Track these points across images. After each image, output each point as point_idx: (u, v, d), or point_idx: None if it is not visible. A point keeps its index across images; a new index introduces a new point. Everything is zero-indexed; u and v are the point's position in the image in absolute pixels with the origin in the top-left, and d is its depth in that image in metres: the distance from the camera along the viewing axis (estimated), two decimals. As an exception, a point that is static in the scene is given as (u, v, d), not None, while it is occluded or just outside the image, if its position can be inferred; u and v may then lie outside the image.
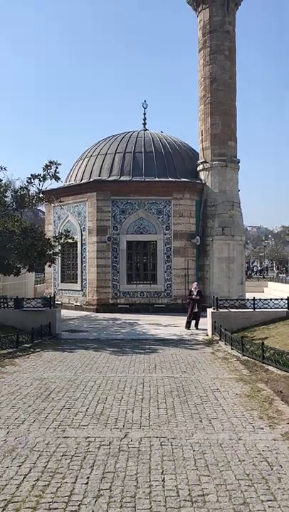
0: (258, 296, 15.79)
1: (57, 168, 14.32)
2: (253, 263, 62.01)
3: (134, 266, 21.23)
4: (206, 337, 13.97)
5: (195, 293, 16.25)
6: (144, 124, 25.40)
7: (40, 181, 14.67)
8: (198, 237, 21.13)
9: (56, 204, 21.40)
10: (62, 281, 22.98)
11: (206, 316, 15.14)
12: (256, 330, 13.38)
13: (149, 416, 5.69)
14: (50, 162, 14.27)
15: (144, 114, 25.69)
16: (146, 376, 8.01)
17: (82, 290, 21.64)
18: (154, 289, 20.93)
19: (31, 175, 14.59)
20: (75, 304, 21.72)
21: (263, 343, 9.35)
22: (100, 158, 22.57)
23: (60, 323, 14.65)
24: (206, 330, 14.95)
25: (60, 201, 17.80)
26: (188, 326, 16.01)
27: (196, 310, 16.03)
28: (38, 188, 14.72)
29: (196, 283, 16.94)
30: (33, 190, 14.64)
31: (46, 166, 14.34)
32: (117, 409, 5.99)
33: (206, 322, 16.06)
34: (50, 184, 15.14)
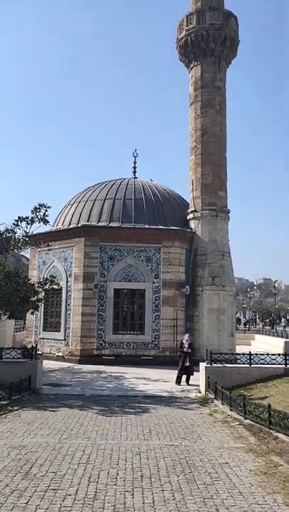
0: (245, 349, 15.03)
1: (46, 210, 13.78)
2: (236, 314, 61.27)
3: (121, 315, 20.31)
4: (199, 394, 12.97)
5: (186, 345, 15.35)
6: (134, 172, 25.39)
7: (28, 224, 14.04)
8: (187, 287, 20.48)
9: (42, 248, 20.69)
10: (44, 330, 21.80)
11: (197, 371, 14.21)
12: (253, 388, 12.48)
13: (154, 502, 4.72)
14: (39, 205, 13.73)
15: (135, 162, 25.77)
16: (142, 444, 7.02)
17: (65, 339, 20.48)
18: (141, 339, 19.92)
19: (18, 217, 13.98)
20: (57, 354, 20.47)
21: (269, 405, 8.47)
22: (89, 203, 22.20)
23: (41, 377, 13.48)
24: (198, 386, 13.97)
25: (48, 245, 17.09)
26: (178, 381, 14.99)
27: (187, 364, 15.07)
28: (24, 231, 14.05)
29: (187, 335, 16.09)
30: (19, 232, 13.95)
31: (35, 208, 13.77)
32: (113, 492, 5.00)
33: (197, 377, 15.14)
34: (38, 227, 14.51)
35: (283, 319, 61.09)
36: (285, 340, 23.74)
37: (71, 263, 20.89)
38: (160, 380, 15.60)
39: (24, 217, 13.93)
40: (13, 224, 13.99)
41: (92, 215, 21.62)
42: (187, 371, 15.09)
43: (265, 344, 27.50)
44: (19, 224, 14.00)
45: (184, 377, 15.08)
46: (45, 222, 14.05)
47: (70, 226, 21.70)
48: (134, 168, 25.53)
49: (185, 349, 15.31)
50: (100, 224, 21.08)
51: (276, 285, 49.41)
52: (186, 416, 9.59)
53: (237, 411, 9.70)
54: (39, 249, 22.45)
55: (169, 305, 20.20)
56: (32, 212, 13.87)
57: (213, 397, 11.86)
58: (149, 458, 6.26)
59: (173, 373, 17.14)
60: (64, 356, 20.13)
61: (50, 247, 17.72)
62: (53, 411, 9.73)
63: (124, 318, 20.27)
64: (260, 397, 11.24)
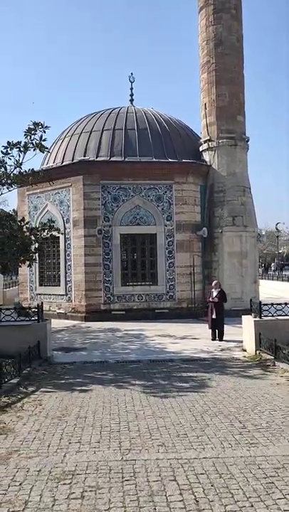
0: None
1: (44, 132, 10.57)
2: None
3: (131, 264, 17.67)
4: (246, 354, 10.68)
5: (215, 293, 12.91)
6: (132, 100, 21.90)
7: (21, 152, 10.85)
8: (205, 229, 17.83)
9: (33, 191, 17.56)
10: (41, 284, 19.10)
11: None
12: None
13: None
14: (34, 124, 10.50)
15: (132, 88, 22.18)
16: (256, 455, 4.46)
17: (66, 294, 17.87)
18: (154, 291, 17.45)
19: (8, 143, 10.74)
20: (58, 311, 17.93)
21: None
22: (85, 136, 18.86)
23: (51, 342, 10.92)
24: (238, 342, 11.74)
25: (51, 179, 14.01)
26: (214, 337, 12.69)
27: (213, 316, 12.71)
28: (16, 161, 10.90)
29: (216, 281, 13.60)
30: (10, 162, 10.81)
31: (29, 129, 10.56)
32: None
33: (235, 332, 12.91)
34: (34, 156, 11.38)
35: (273, 263, 59.28)
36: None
37: (68, 206, 17.88)
38: (188, 337, 13.28)
39: (15, 142, 10.73)
40: (2, 152, 10.80)
41: (89, 150, 18.37)
42: (216, 325, 12.77)
43: (266, 288, 25.59)
44: (9, 152, 10.81)
45: (216, 332, 12.80)
46: (43, 149, 10.86)
47: (65, 163, 18.46)
48: (132, 95, 22.02)
49: (211, 298, 12.90)
50: (99, 159, 17.90)
51: (278, 227, 47.22)
52: (261, 388, 7.21)
53: None
54: (28, 192, 19.36)
55: (184, 250, 17.61)
56: (25, 135, 10.66)
57: (273, 357, 9.52)
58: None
59: (196, 328, 14.96)
60: (66, 313, 17.62)
61: (52, 181, 14.54)
62: (83, 391, 7.22)
63: (133, 267, 17.66)
64: None
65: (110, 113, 19.61)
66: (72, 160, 18.23)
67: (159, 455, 4.39)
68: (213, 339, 12.64)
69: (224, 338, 12.64)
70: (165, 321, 16.38)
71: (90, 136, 18.68)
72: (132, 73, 22.28)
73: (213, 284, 13.23)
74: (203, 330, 14.30)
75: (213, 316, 12.71)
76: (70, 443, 4.77)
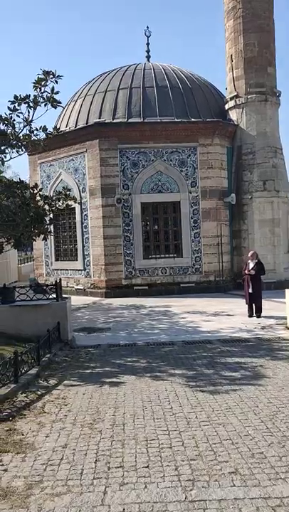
0: None
1: (56, 82, 9.06)
2: None
3: (153, 235, 16.33)
4: (292, 332, 9.40)
5: (252, 265, 11.55)
6: (148, 56, 20.08)
7: (30, 107, 9.38)
8: (233, 195, 16.32)
9: (45, 159, 16.22)
10: (57, 259, 17.95)
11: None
12: None
13: None
14: (44, 73, 8.98)
15: (148, 44, 20.33)
16: None
17: (84, 269, 16.69)
18: (178, 263, 16.16)
19: (15, 97, 9.27)
20: (76, 287, 16.81)
21: None
22: (99, 97, 17.24)
23: (71, 322, 9.77)
24: (280, 319, 10.50)
25: (65, 141, 12.52)
26: (250, 313, 11.43)
27: (250, 291, 11.39)
28: (25, 118, 9.44)
29: (253, 251, 12.17)
30: (19, 120, 9.37)
31: (39, 79, 9.05)
32: None
33: (272, 307, 11.67)
34: (45, 113, 9.95)
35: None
36: None
37: (84, 174, 16.48)
38: (221, 314, 12.02)
39: (23, 96, 9.28)
40: (9, 109, 9.35)
41: (105, 111, 16.78)
42: (253, 299, 11.47)
43: None
44: (17, 108, 9.35)
45: (253, 308, 11.52)
46: (55, 103, 9.32)
47: (78, 126, 16.94)
48: (148, 51, 20.19)
49: (247, 271, 11.55)
50: (116, 120, 16.34)
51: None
52: None
53: None
54: (40, 160, 17.98)
55: (210, 219, 16.18)
56: (34, 87, 9.16)
57: None
58: None
59: (227, 303, 13.72)
60: (85, 289, 16.49)
61: (66, 142, 13.05)
62: (114, 384, 6.04)
63: (156, 238, 16.32)
64: None
65: (126, 70, 17.89)
66: (87, 123, 16.71)
67: (237, 491, 3.16)
68: (250, 315, 11.38)
69: (262, 315, 11.36)
70: (191, 296, 15.17)
71: (105, 97, 17.06)
72: (147, 27, 20.48)
73: (249, 255, 11.85)
74: (235, 305, 13.08)
75: (250, 291, 11.41)
76: (109, 468, 3.58)
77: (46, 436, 4.26)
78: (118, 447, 3.98)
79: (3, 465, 3.68)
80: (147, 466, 3.58)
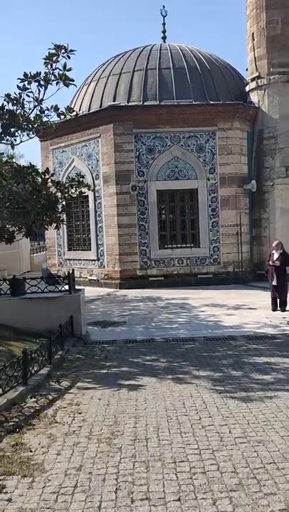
0: None
1: (68, 57, 8.36)
2: None
3: (169, 224, 15.65)
4: None
5: (276, 256, 10.83)
6: (164, 37, 19.19)
7: (41, 86, 8.69)
8: (253, 182, 15.54)
9: (57, 145, 15.56)
10: (69, 249, 17.40)
11: None
12: None
13: None
14: (56, 47, 8.28)
15: (164, 24, 19.40)
16: None
17: (98, 259, 16.12)
18: (196, 254, 15.49)
19: (25, 75, 8.61)
20: (90, 278, 16.26)
21: None
22: (113, 79, 16.49)
23: (85, 316, 9.21)
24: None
25: (79, 123, 11.82)
26: (274, 306, 10.75)
27: (274, 283, 10.69)
28: (35, 98, 8.75)
29: (277, 241, 11.44)
30: (29, 99, 8.70)
31: (50, 55, 8.35)
32: None
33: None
34: (57, 92, 9.27)
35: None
36: None
37: (97, 160, 15.82)
38: (242, 307, 11.37)
39: (34, 74, 8.61)
40: (18, 87, 8.69)
41: (119, 94, 16.05)
42: (276, 293, 10.77)
43: None
44: (27, 86, 8.69)
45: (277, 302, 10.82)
46: (67, 81, 8.59)
47: (91, 110, 16.25)
48: (164, 32, 19.29)
49: (271, 262, 10.85)
50: (131, 103, 15.60)
51: None
52: None
53: None
54: (52, 146, 17.35)
55: (229, 207, 15.44)
56: (45, 63, 8.47)
57: None
58: None
59: (248, 295, 13.07)
60: (99, 280, 15.93)
61: (80, 125, 12.35)
62: (133, 387, 5.46)
63: (172, 227, 15.65)
64: None
65: (142, 51, 17.09)
66: (100, 106, 16.00)
67: None
68: (274, 309, 10.70)
69: (287, 308, 10.67)
70: (209, 288, 14.52)
71: (119, 79, 16.31)
72: (163, 6, 19.53)
73: (274, 245, 11.12)
74: (256, 298, 12.42)
75: (274, 283, 10.72)
76: (132, 500, 2.99)
77: (58, 454, 3.69)
78: (142, 471, 3.38)
79: (6, 492, 3.12)
80: (178, 499, 2.98)
